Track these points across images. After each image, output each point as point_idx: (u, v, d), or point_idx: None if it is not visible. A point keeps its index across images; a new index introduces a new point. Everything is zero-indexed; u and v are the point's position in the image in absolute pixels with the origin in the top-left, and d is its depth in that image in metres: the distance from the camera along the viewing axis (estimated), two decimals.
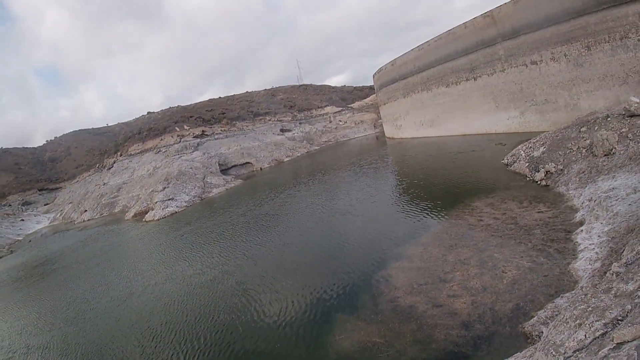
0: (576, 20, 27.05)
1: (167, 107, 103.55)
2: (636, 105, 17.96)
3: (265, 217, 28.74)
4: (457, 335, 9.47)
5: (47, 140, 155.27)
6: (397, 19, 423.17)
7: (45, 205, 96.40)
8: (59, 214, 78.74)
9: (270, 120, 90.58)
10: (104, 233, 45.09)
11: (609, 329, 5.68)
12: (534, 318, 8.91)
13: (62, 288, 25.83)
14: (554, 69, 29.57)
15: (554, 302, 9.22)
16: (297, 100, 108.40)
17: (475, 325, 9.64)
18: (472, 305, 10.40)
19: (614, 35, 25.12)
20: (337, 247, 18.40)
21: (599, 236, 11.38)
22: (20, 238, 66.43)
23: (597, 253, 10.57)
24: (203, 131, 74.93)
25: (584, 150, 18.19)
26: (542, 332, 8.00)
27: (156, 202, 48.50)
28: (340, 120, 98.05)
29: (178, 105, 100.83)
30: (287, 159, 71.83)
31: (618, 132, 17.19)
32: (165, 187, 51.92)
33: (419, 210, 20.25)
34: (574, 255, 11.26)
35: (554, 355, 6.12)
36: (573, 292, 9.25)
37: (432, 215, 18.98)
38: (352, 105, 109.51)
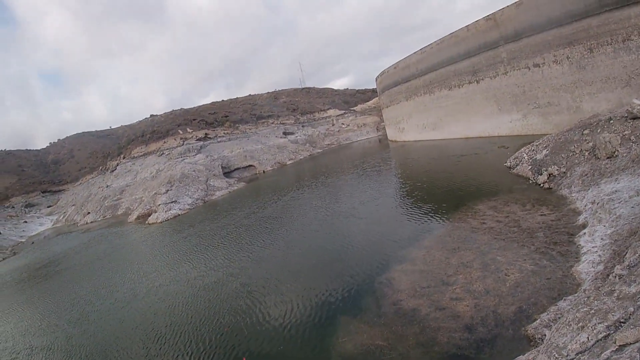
0: (578, 22, 27.09)
1: (170, 110, 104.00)
2: (639, 107, 17.95)
3: (269, 220, 28.80)
4: (460, 338, 9.48)
5: (50, 143, 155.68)
6: (399, 22, 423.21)
7: (48, 207, 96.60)
8: (62, 216, 78.94)
9: (273, 123, 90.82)
10: (107, 235, 45.18)
11: (612, 331, 5.71)
12: (537, 321, 8.93)
13: (65, 289, 25.91)
14: (557, 72, 29.58)
15: (556, 305, 9.23)
16: (300, 103, 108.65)
17: (478, 328, 9.66)
18: (475, 308, 10.42)
19: (617, 38, 25.14)
20: (341, 249, 18.43)
21: (601, 239, 11.39)
22: (23, 240, 66.61)
23: (600, 256, 10.57)
24: (206, 134, 75.16)
25: (586, 153, 18.20)
26: (545, 335, 8.02)
27: (159, 204, 48.63)
28: (342, 123, 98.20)
29: (181, 108, 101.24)
30: (290, 161, 71.94)
31: (621, 135, 17.19)
32: (168, 190, 52.05)
33: (422, 213, 20.29)
34: (576, 258, 11.27)
35: (556, 358, 6.15)
36: (576, 294, 9.26)
37: (435, 218, 19.00)
38: (354, 108, 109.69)
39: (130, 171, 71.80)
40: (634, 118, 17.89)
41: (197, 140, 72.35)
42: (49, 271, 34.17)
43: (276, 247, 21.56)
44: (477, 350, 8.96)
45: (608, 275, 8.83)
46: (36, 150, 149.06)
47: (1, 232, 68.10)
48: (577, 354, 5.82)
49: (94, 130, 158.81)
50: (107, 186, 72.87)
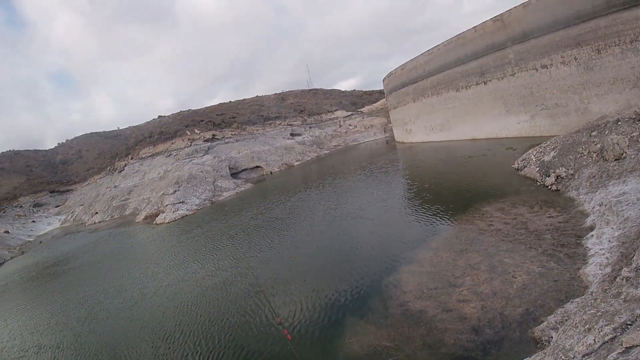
0: (586, 23, 27.01)
1: (178, 111, 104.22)
2: None
3: (276, 221, 28.93)
4: (467, 340, 9.52)
5: (58, 143, 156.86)
6: (406, 23, 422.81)
7: (56, 207, 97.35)
8: (70, 216, 79.56)
9: (280, 124, 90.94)
10: (115, 235, 45.55)
11: (618, 334, 5.74)
12: (544, 323, 8.94)
13: (74, 288, 26.19)
14: (564, 73, 29.49)
15: (563, 307, 9.24)
16: (307, 105, 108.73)
17: (485, 330, 9.69)
18: (482, 310, 10.45)
19: (624, 39, 25.04)
20: (349, 250, 18.51)
21: (609, 241, 11.37)
22: (31, 239, 67.19)
23: (607, 258, 10.57)
24: (214, 135, 75.45)
25: (594, 155, 18.13)
26: (552, 337, 8.05)
27: (167, 205, 48.92)
28: (350, 125, 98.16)
29: (189, 109, 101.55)
30: (297, 163, 72.06)
31: (629, 137, 17.11)
32: (176, 191, 52.34)
33: (430, 215, 20.31)
34: (584, 260, 11.26)
35: None
36: (583, 297, 9.26)
37: (443, 220, 19.02)
38: (362, 109, 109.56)
39: (138, 172, 72.26)
40: None
41: (204, 141, 72.64)
42: (57, 270, 34.50)
43: (284, 248, 21.67)
44: (483, 352, 9.00)
45: (615, 277, 8.82)
46: (44, 150, 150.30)
47: (9, 231, 68.75)
48: (583, 356, 5.86)
49: (102, 130, 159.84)
50: (115, 186, 73.39)
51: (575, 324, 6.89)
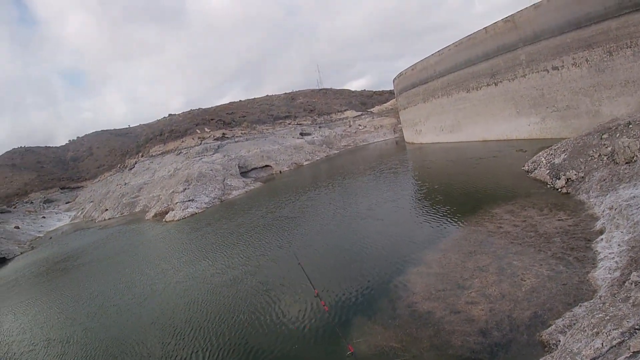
0: (598, 25, 26.80)
1: (188, 109, 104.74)
2: None
3: (286, 220, 29.07)
4: (475, 342, 9.56)
5: (69, 140, 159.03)
6: (417, 24, 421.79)
7: (66, 203, 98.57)
8: (80, 212, 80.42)
9: (290, 123, 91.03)
10: (125, 232, 46.03)
11: (626, 338, 5.77)
12: (552, 326, 8.95)
13: (83, 284, 26.56)
14: (576, 75, 29.30)
15: (572, 310, 9.24)
16: (317, 104, 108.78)
17: (492, 332, 9.72)
18: (490, 313, 10.48)
19: (636, 40, 24.82)
20: (358, 250, 18.57)
21: (619, 245, 11.34)
22: (41, 235, 68.08)
23: (616, 262, 10.54)
24: (223, 134, 75.75)
25: (605, 158, 18.03)
26: (560, 341, 8.08)
27: (176, 202, 49.28)
28: (359, 125, 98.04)
29: (199, 108, 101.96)
30: (306, 162, 72.14)
31: None
32: (185, 189, 52.69)
33: (439, 216, 20.31)
34: (593, 264, 11.24)
35: None
36: (591, 301, 9.26)
37: (452, 221, 19.01)
38: (371, 109, 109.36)
39: (149, 169, 72.82)
40: None
41: (214, 139, 72.97)
42: (67, 265, 34.96)
43: (293, 247, 21.73)
44: (491, 354, 9.03)
45: (624, 281, 8.82)
46: (56, 147, 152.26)
47: (20, 226, 69.69)
48: None
49: (112, 128, 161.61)
50: (125, 184, 74.04)
51: (583, 327, 6.93)
